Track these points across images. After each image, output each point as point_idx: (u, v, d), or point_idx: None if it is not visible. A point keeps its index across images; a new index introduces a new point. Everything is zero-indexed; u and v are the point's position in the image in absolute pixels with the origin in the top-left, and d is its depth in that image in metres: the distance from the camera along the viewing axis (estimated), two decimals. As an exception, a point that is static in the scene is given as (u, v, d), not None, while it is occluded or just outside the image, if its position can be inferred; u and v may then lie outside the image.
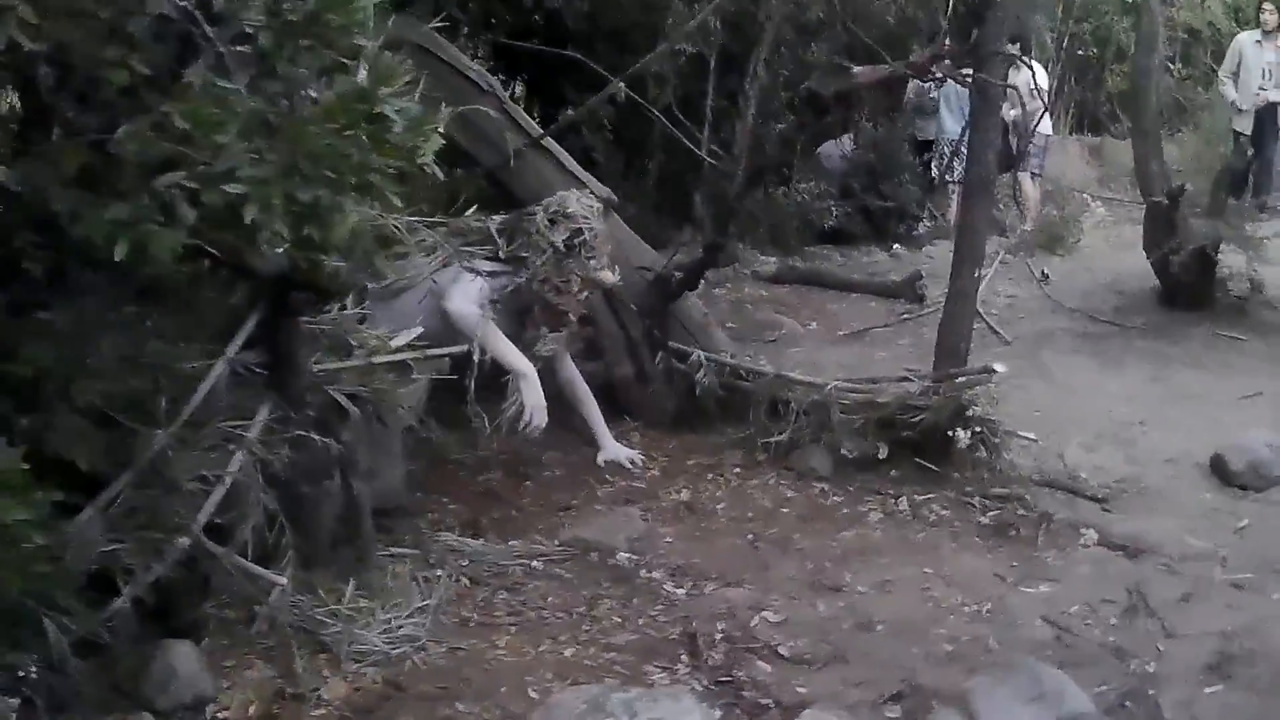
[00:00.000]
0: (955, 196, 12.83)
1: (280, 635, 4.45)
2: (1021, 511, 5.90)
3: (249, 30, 3.06)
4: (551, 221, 6.11)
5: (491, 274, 6.05)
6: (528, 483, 6.32)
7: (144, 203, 2.90)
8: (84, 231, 2.99)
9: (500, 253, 6.14)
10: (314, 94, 3.10)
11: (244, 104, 2.91)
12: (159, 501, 4.22)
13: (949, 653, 4.64)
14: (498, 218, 6.31)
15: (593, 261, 6.15)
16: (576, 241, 6.08)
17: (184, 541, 4.23)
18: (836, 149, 13.23)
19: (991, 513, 5.90)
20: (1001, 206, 13.47)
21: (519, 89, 12.06)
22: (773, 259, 11.66)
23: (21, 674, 3.74)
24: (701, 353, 6.96)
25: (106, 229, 2.93)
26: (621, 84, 7.30)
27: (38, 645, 3.79)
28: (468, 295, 5.88)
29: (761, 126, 10.10)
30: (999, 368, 6.34)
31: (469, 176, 6.97)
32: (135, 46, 3.01)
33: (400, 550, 5.31)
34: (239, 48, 3.08)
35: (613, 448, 6.64)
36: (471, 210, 6.32)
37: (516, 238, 6.16)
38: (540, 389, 5.91)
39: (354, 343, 4.97)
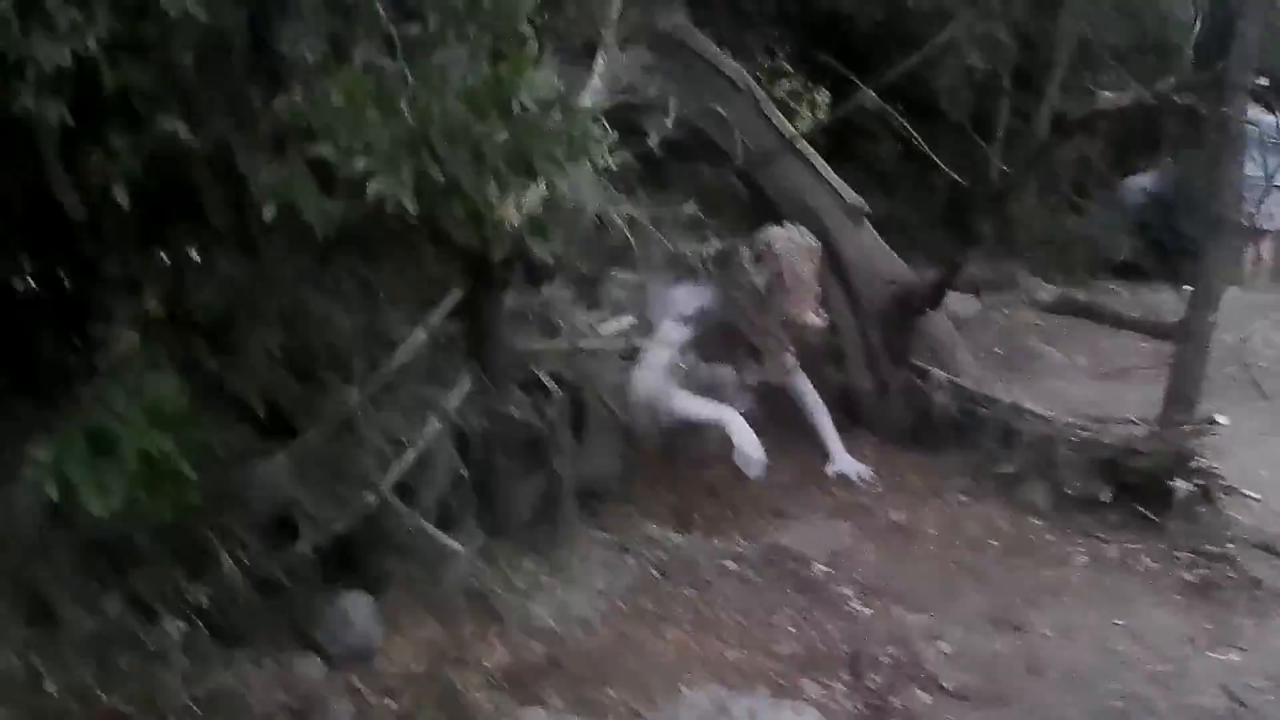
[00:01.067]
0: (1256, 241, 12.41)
1: (454, 599, 4.56)
2: (1230, 573, 5.58)
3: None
4: (757, 258, 5.99)
5: (701, 308, 6.02)
6: (748, 483, 6.21)
7: (295, 169, 3.02)
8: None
9: (709, 285, 6.09)
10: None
11: (400, 82, 3.01)
12: (349, 455, 4.36)
13: (1114, 709, 4.45)
14: (709, 246, 6.12)
15: (793, 304, 5.98)
16: (778, 284, 5.94)
17: (370, 498, 4.40)
18: (1139, 181, 12.85)
19: (1198, 570, 5.60)
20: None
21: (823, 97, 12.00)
22: (1056, 287, 11.35)
23: (191, 600, 3.95)
24: (941, 373, 6.81)
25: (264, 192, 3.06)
26: (871, 91, 7.17)
27: (212, 577, 3.99)
28: (654, 366, 5.82)
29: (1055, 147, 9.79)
30: (1221, 419, 6.04)
31: (720, 172, 6.96)
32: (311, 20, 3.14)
33: (600, 533, 5.39)
34: (411, 28, 3.18)
35: (843, 459, 6.56)
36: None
37: (724, 271, 6.07)
38: (749, 430, 5.78)
39: (562, 324, 5.04)
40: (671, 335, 5.91)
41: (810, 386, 6.58)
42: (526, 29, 3.31)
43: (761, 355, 6.14)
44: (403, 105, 2.98)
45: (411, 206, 2.98)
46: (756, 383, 6.24)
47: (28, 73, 3.11)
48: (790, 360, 6.32)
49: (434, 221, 3.88)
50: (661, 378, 5.78)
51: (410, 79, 3.08)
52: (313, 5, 3.23)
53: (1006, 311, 10.55)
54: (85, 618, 3.84)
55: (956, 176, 8.94)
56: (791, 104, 12.96)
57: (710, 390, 6.04)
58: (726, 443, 5.78)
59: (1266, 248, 13.08)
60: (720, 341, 6.10)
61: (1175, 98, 6.52)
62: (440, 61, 3.15)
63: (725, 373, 6.19)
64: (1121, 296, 11.75)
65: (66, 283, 4.14)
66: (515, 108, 3.10)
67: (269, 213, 3.08)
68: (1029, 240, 11.93)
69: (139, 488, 3.65)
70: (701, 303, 6.02)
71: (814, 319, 6.04)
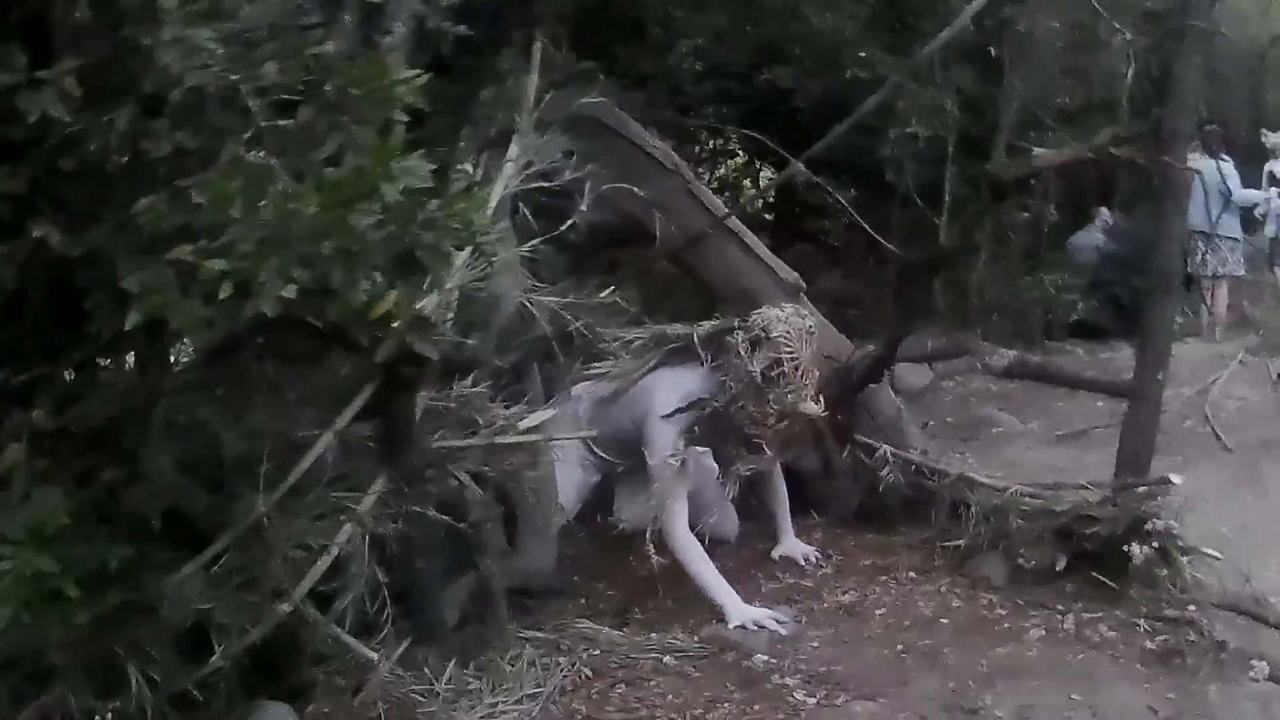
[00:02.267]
0: (1209, 290, 12.36)
1: (375, 709, 4.45)
2: (1192, 637, 5.38)
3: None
4: (753, 345, 5.75)
5: (689, 396, 5.88)
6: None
7: (160, 274, 2.91)
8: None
9: (703, 365, 5.96)
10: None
11: (267, 179, 2.89)
12: (260, 564, 4.24)
13: (1070, 795, 4.31)
14: (705, 325, 6.09)
15: (793, 394, 5.73)
16: (775, 372, 5.70)
17: (283, 607, 4.26)
18: (1089, 238, 12.85)
19: (1160, 637, 5.42)
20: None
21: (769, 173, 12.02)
22: (1012, 351, 11.29)
23: (99, 718, 3.88)
24: (888, 448, 6.67)
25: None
26: (801, 164, 7.09)
27: (125, 694, 3.91)
28: (666, 447, 5.76)
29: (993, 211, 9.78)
30: (1175, 479, 5.89)
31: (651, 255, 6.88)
32: (176, 119, 3.04)
33: (534, 633, 5.25)
34: (282, 121, 3.08)
35: (790, 543, 6.46)
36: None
37: (719, 355, 5.91)
38: (747, 610, 5.61)
39: (480, 421, 4.91)
40: (664, 440, 5.80)
41: (779, 471, 6.47)
42: (399, 116, 3.19)
43: (752, 443, 5.87)
44: (265, 203, 2.84)
45: (269, 309, 2.85)
46: (749, 471, 6.02)
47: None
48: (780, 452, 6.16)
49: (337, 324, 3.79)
50: (686, 529, 5.71)
51: (279, 175, 2.95)
52: (185, 103, 3.11)
53: (960, 380, 10.49)
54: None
55: (891, 247, 8.86)
56: (740, 181, 13.06)
57: (697, 484, 5.96)
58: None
59: (1221, 297, 13.05)
60: (708, 427, 5.91)
61: (1113, 150, 6.41)
62: (310, 155, 3.03)
63: (710, 465, 6.04)
64: (1078, 356, 11.73)
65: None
66: (382, 199, 2.96)
67: (133, 320, 2.95)
68: (982, 306, 11.92)
69: (20, 607, 3.50)
70: (692, 390, 5.88)
71: (815, 407, 5.82)
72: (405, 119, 3.21)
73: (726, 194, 11.64)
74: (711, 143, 11.97)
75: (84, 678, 3.90)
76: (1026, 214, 12.09)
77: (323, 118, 3.08)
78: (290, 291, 2.85)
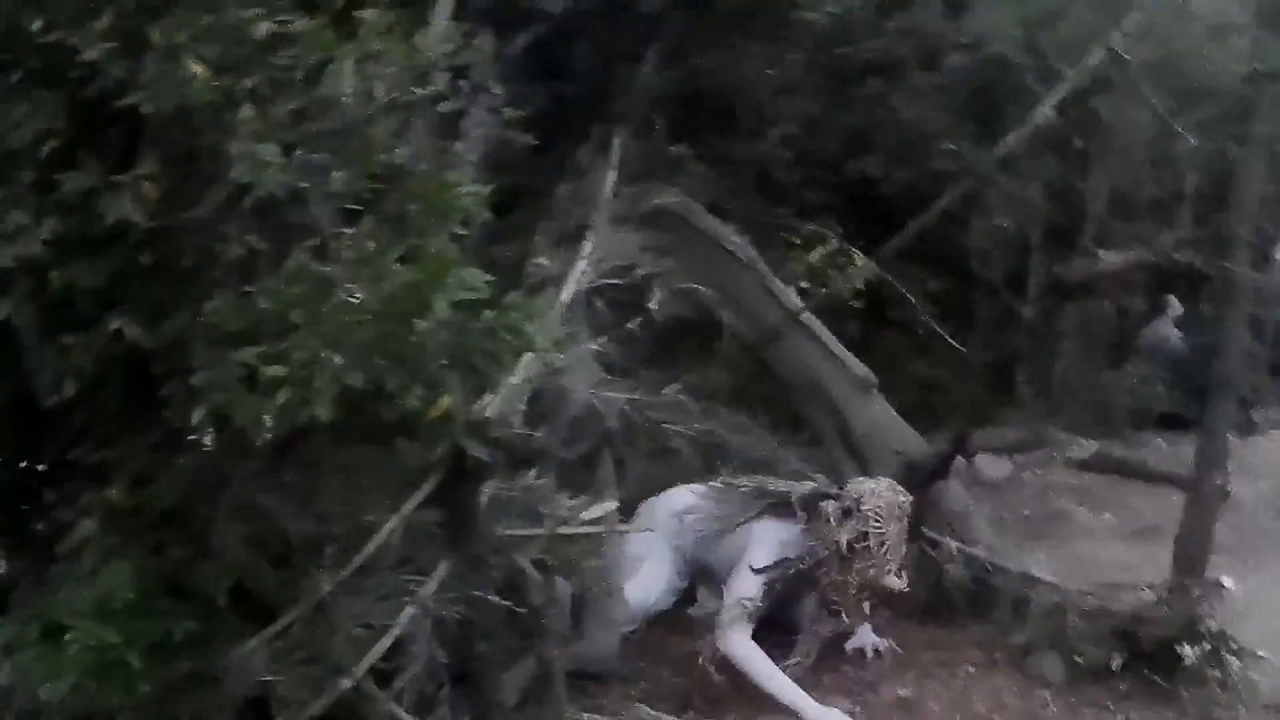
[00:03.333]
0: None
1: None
2: None
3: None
4: (844, 514, 5.93)
5: (782, 550, 6.04)
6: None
7: (226, 372, 3.08)
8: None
9: (798, 523, 6.10)
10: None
11: (328, 287, 3.06)
12: (323, 641, 4.37)
13: None
14: (804, 486, 6.25)
15: (874, 568, 5.89)
16: (862, 545, 5.87)
17: (345, 683, 4.39)
18: (1162, 329, 12.72)
19: None
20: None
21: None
22: (1095, 442, 11.23)
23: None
24: (954, 542, 6.72)
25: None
26: (871, 261, 7.17)
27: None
28: (746, 595, 5.90)
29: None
30: (1227, 582, 5.93)
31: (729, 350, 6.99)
32: (247, 223, 3.22)
33: (594, 715, 5.33)
34: (348, 230, 3.25)
35: (864, 633, 6.49)
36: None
37: (811, 517, 6.06)
38: (832, 710, 5.67)
39: (544, 511, 5.04)
40: (749, 589, 5.92)
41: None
42: (458, 230, 3.35)
43: (834, 608, 6.05)
44: (324, 311, 3.01)
45: (324, 413, 3.01)
46: (830, 632, 6.20)
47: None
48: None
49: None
50: (747, 641, 5.83)
51: (340, 284, 3.12)
52: (255, 208, 3.29)
53: (1039, 472, 10.44)
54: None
55: (953, 343, 8.89)
56: (826, 270, 13.07)
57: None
58: None
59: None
60: (792, 584, 6.08)
61: (1174, 256, 6.46)
62: (370, 267, 3.20)
63: (798, 618, 6.23)
64: (1161, 449, 11.60)
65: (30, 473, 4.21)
66: (437, 311, 3.12)
67: (199, 415, 3.13)
68: (1065, 397, 11.84)
69: (87, 676, 3.67)
70: (783, 548, 6.04)
71: (897, 582, 5.96)
72: (464, 231, 3.37)
73: (809, 283, 11.67)
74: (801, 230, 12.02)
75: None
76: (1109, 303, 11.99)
77: (384, 229, 3.25)
78: (344, 395, 3.02)
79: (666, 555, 6.43)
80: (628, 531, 5.85)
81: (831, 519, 5.92)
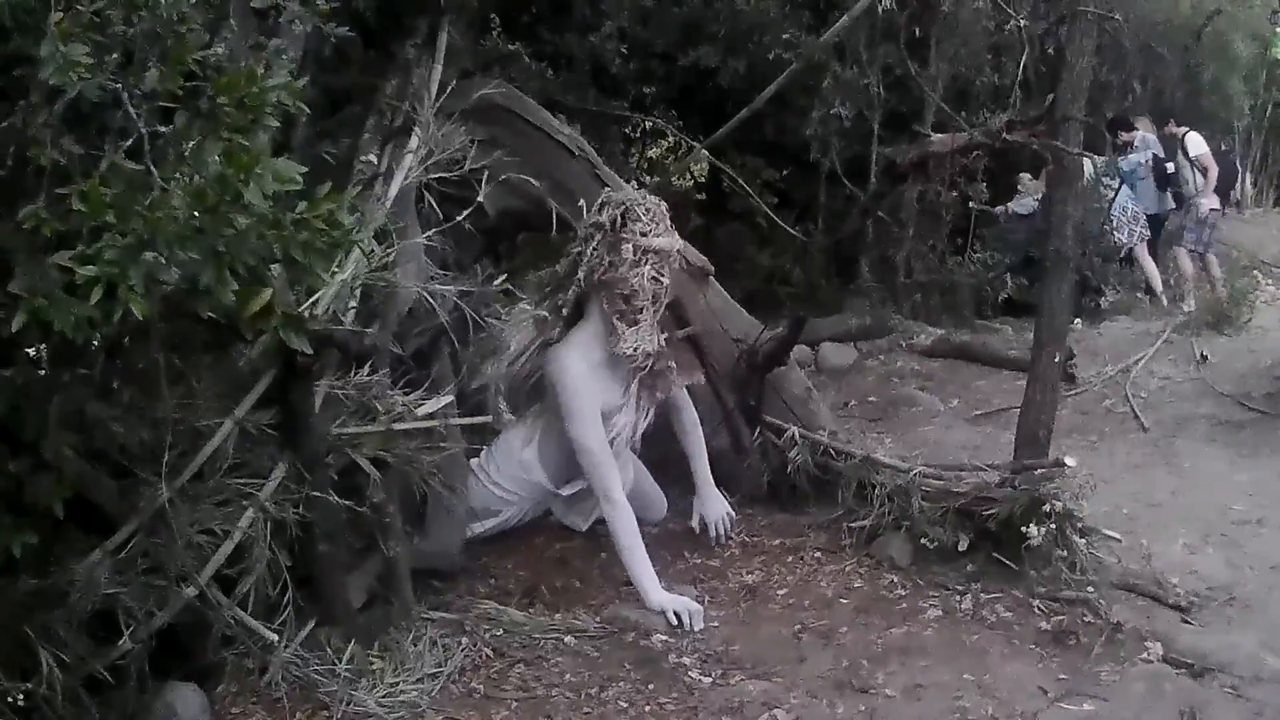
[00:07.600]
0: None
1: (280, 690, 4.58)
2: (1088, 618, 5.44)
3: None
4: (600, 206, 5.80)
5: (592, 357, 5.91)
6: (603, 554, 6.18)
7: (43, 278, 3.02)
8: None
9: (559, 268, 5.97)
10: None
11: (143, 186, 3.00)
12: (165, 550, 4.35)
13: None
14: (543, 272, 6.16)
15: (644, 231, 5.71)
16: (623, 213, 5.70)
17: (188, 591, 4.39)
18: (1021, 209, 12.92)
19: (1055, 617, 5.47)
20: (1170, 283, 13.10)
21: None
22: (939, 331, 11.43)
23: (11, 700, 3.96)
24: (796, 429, 6.77)
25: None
26: (704, 149, 7.20)
27: (34, 678, 4.01)
28: (585, 418, 5.80)
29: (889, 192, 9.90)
30: (1069, 462, 5.91)
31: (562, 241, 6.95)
32: (60, 128, 3.14)
33: (438, 614, 5.36)
34: (162, 128, 3.19)
35: (709, 495, 6.51)
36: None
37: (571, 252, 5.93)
38: (677, 598, 5.61)
39: (380, 408, 5.01)
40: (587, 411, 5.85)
41: (697, 424, 6.54)
42: (270, 122, 3.30)
43: (627, 309, 5.79)
44: (136, 209, 2.96)
45: (139, 311, 2.97)
46: (660, 397, 6.13)
47: None
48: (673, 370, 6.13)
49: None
50: (622, 493, 5.81)
51: (153, 182, 3.06)
52: (68, 110, 3.20)
53: (883, 359, 10.60)
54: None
55: (793, 231, 8.97)
56: (667, 162, 13.13)
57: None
58: None
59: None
60: (611, 376, 5.96)
61: (1006, 136, 6.52)
62: (183, 162, 3.14)
63: (625, 422, 6.07)
64: (1005, 334, 11.83)
65: None
66: (250, 202, 3.07)
67: (18, 322, 3.05)
68: (911, 285, 12.03)
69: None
70: (593, 349, 5.91)
71: (669, 241, 5.83)
72: (276, 124, 3.31)
73: (654, 177, 11.71)
74: (641, 125, 12.01)
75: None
76: (955, 191, 12.14)
77: (195, 125, 3.19)
78: (159, 293, 2.97)
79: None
80: (462, 424, 5.74)
81: (589, 217, 5.82)
